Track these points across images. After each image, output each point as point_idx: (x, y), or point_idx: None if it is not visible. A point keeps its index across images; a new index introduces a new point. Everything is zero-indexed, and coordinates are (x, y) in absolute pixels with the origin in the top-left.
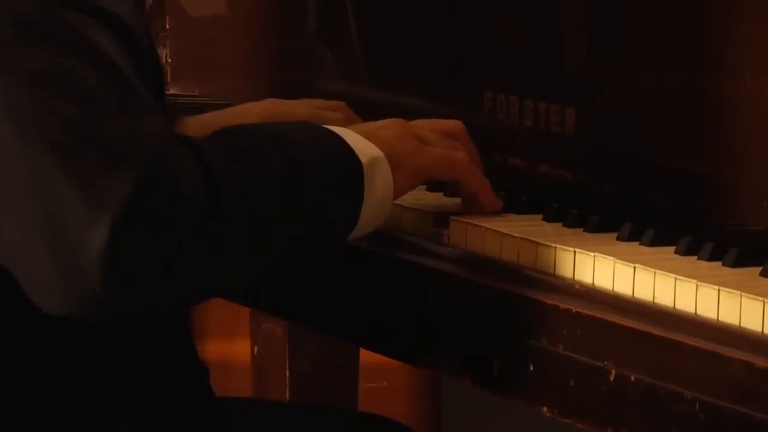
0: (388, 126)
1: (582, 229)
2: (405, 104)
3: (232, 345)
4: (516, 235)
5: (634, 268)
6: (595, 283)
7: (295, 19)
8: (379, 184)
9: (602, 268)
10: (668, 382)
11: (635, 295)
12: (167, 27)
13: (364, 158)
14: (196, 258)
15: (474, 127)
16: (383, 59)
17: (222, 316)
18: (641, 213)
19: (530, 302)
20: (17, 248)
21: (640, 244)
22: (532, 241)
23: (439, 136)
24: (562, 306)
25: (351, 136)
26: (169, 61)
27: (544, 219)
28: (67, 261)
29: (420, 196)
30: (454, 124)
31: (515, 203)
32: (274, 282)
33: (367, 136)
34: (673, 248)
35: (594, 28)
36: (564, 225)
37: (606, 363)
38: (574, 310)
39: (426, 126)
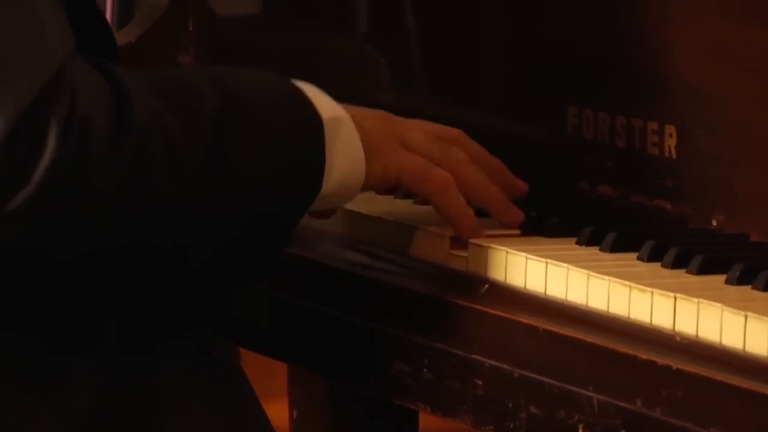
0: (371, 116)
1: (684, 271)
2: (471, 121)
3: (265, 408)
4: (605, 278)
5: (746, 317)
6: (699, 334)
7: (341, 18)
8: (341, 148)
9: (708, 317)
10: None
11: (746, 348)
12: (190, 29)
13: (324, 114)
14: (98, 180)
15: (556, 148)
16: (445, 67)
17: (252, 373)
18: (755, 251)
19: (621, 357)
20: None
21: (752, 288)
22: (625, 285)
23: (430, 138)
24: (660, 362)
25: (313, 91)
26: None
27: (639, 258)
28: None
29: None
30: (453, 131)
31: (603, 238)
32: (313, 332)
33: None
34: None
35: (700, 29)
36: (662, 266)
37: (712, 430)
38: (674, 367)
39: (417, 125)
